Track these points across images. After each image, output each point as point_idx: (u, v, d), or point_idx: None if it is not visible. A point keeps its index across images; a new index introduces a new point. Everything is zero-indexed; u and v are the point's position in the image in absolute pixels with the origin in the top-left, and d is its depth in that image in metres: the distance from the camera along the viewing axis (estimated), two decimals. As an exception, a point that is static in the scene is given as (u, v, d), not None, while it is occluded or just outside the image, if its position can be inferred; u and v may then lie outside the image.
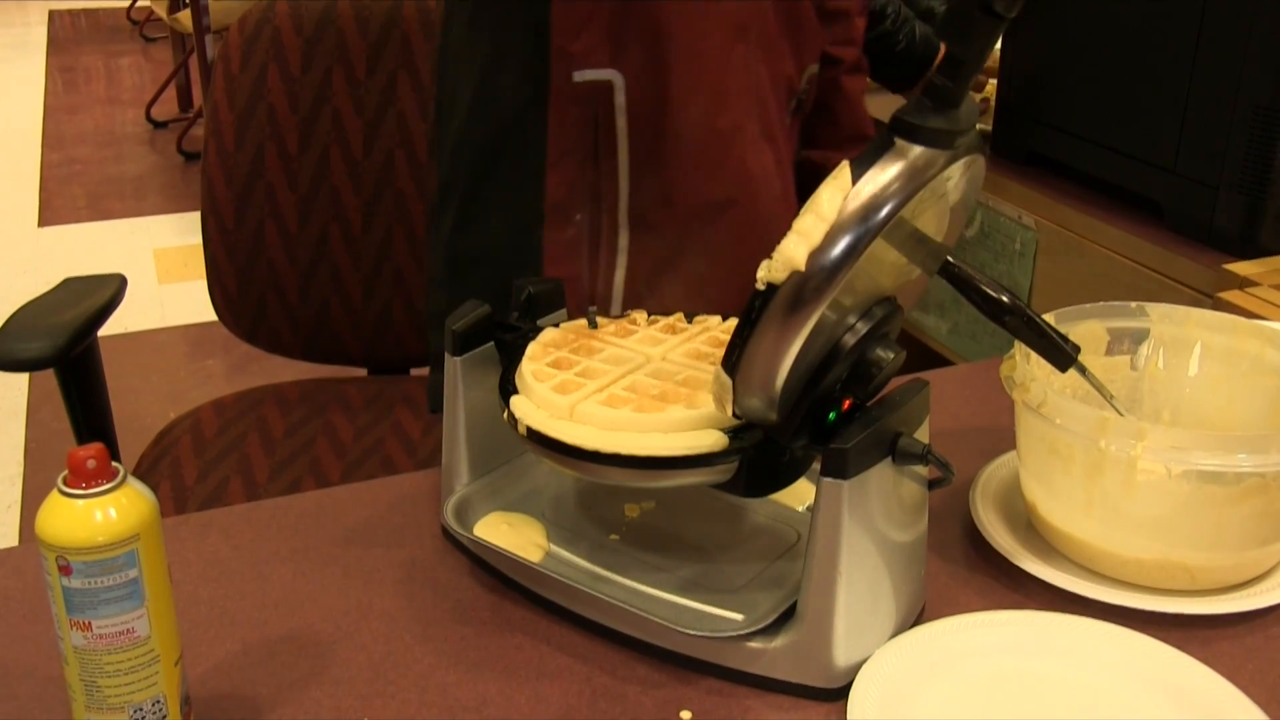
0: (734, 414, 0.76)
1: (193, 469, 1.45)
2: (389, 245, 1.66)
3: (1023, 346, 0.95)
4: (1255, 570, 0.92)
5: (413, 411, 1.61)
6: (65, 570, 0.68)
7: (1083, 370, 0.94)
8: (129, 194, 4.51)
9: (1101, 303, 1.04)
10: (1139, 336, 1.04)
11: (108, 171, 4.76)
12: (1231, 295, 1.40)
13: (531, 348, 0.90)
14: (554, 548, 0.91)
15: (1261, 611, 0.89)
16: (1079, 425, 0.88)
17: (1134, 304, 1.04)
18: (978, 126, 2.12)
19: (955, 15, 0.66)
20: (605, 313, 1.21)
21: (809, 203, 0.69)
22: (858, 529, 0.78)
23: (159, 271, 3.76)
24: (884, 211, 0.68)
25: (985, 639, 0.84)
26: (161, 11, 5.14)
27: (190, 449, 1.49)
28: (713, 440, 0.79)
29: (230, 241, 1.62)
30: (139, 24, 7.33)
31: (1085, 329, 1.02)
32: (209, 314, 1.67)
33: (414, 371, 1.76)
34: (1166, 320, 1.03)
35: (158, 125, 5.34)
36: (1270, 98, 1.49)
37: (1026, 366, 0.94)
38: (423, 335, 1.70)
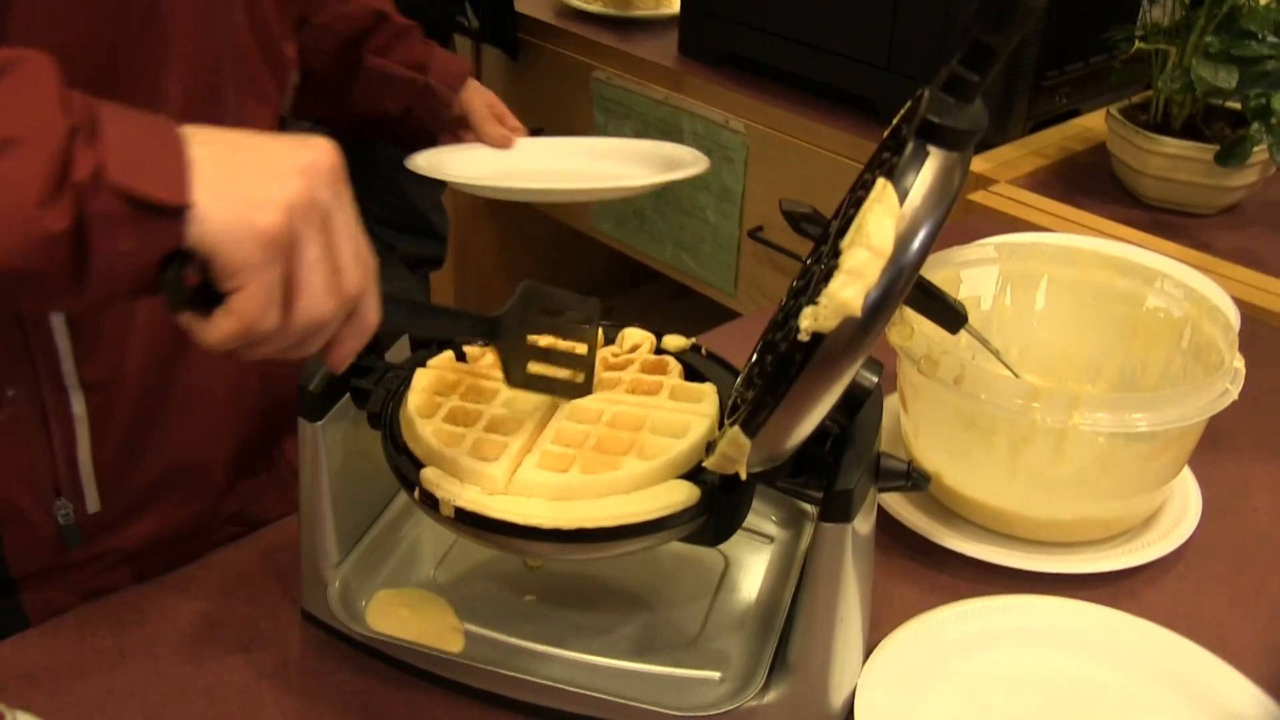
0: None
1: None
2: None
3: (908, 310, 0.89)
4: (1149, 509, 0.92)
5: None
6: None
7: (971, 330, 0.90)
8: None
9: (953, 247, 1.00)
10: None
11: None
12: (980, 196, 1.41)
13: (414, 400, 0.74)
14: (470, 627, 0.77)
15: (1171, 557, 0.90)
16: (1006, 399, 0.83)
17: (981, 242, 1.01)
18: (664, 12, 2.04)
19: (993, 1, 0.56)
20: (79, 503, 0.89)
21: (853, 233, 0.58)
22: (856, 568, 0.70)
23: None
24: (924, 233, 0.58)
25: (963, 634, 0.80)
26: None
27: None
28: (685, 494, 0.68)
29: None
30: None
31: (943, 276, 0.98)
32: None
33: None
34: (1014, 256, 1.01)
35: None
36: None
37: (927, 336, 0.88)
38: None
